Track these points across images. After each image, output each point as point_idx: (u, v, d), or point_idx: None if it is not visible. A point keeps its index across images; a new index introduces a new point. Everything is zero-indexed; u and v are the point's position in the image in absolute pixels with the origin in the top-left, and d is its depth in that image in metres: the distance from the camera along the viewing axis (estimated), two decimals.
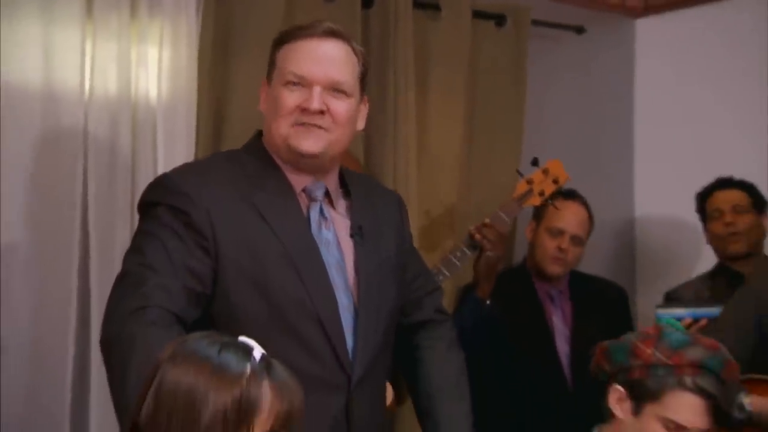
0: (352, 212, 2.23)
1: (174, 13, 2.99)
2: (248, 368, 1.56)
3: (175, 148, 2.98)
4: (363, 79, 2.21)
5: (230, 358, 1.56)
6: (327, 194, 2.20)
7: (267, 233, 2.08)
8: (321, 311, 2.08)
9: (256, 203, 2.10)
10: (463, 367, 2.36)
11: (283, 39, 2.17)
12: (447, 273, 3.03)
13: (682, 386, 2.25)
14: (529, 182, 3.17)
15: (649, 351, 2.29)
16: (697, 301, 3.34)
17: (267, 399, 1.56)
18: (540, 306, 3.38)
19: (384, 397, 2.31)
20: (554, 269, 3.37)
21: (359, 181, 2.34)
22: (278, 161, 2.16)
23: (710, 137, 3.92)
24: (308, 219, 2.16)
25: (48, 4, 2.82)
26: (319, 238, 2.15)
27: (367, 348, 2.13)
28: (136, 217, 2.20)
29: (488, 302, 3.16)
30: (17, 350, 2.79)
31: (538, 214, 3.40)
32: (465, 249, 3.07)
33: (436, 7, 3.59)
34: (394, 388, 2.83)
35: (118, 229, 2.90)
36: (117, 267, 2.10)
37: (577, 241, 3.38)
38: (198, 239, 2.03)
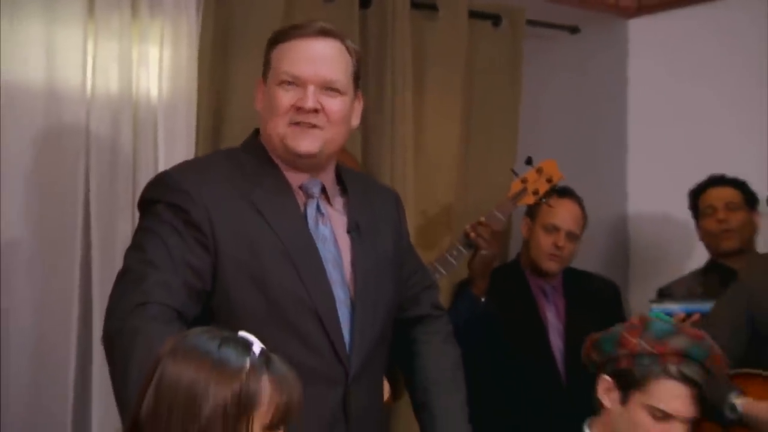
0: (349, 209, 2.25)
1: (174, 14, 3.00)
2: (248, 363, 1.58)
3: (175, 147, 3.00)
4: (357, 77, 2.23)
5: (230, 353, 1.58)
6: (324, 191, 2.22)
7: (265, 230, 2.10)
8: (319, 306, 2.10)
9: (254, 201, 2.12)
10: (458, 360, 2.38)
11: (278, 39, 2.19)
12: (443, 271, 3.06)
13: (667, 374, 2.28)
14: (524, 181, 3.19)
15: (634, 341, 2.32)
16: (690, 297, 3.36)
17: (266, 393, 1.57)
18: (533, 301, 3.41)
19: (381, 391, 2.33)
20: (550, 266, 3.40)
21: (357, 179, 2.36)
22: (275, 159, 2.18)
23: (702, 136, 3.92)
24: (305, 215, 2.17)
25: (50, 3, 2.84)
26: (316, 234, 2.16)
27: (364, 342, 2.15)
28: (137, 214, 2.21)
29: (483, 299, 3.18)
30: (19, 347, 2.80)
31: (532, 211, 3.42)
32: (461, 247, 3.10)
33: (433, 8, 3.60)
34: (390, 383, 2.84)
35: (119, 226, 2.91)
36: (118, 264, 2.12)
37: (572, 237, 3.41)
38: (197, 236, 2.05)
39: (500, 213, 3.14)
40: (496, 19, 3.77)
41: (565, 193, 3.38)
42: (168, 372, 1.57)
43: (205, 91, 3.10)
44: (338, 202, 2.26)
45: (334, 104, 2.15)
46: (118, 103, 2.93)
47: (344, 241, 2.21)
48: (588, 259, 3.71)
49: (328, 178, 2.24)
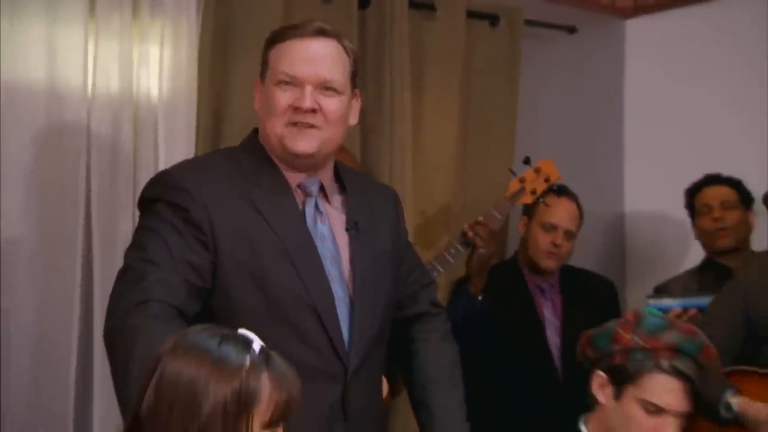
0: (348, 207, 2.26)
1: (175, 14, 3.02)
2: (248, 360, 1.58)
3: (175, 145, 3.01)
4: (354, 75, 2.23)
5: (230, 351, 1.59)
6: (322, 189, 2.23)
7: (264, 228, 2.11)
8: (318, 303, 2.11)
9: (253, 200, 2.13)
10: (456, 358, 2.39)
11: (275, 39, 2.19)
12: (441, 269, 3.07)
13: (659, 368, 2.30)
14: (522, 181, 3.21)
15: (628, 336, 2.34)
16: (687, 292, 3.38)
17: (266, 390, 1.58)
18: (530, 299, 3.43)
19: (380, 389, 2.34)
20: (548, 263, 3.42)
21: (355, 178, 2.37)
22: (274, 158, 2.19)
23: (699, 135, 3.94)
24: (304, 214, 2.18)
25: (52, 3, 2.85)
26: (314, 232, 2.18)
27: (363, 339, 2.16)
28: (138, 212, 2.21)
29: (480, 297, 3.19)
30: (21, 346, 2.81)
31: (530, 210, 3.43)
32: (458, 246, 3.11)
33: (432, 8, 3.61)
34: (388, 380, 2.85)
35: (120, 225, 2.92)
36: (119, 262, 2.12)
37: (570, 235, 3.43)
38: (197, 234, 2.07)
39: (498, 212, 3.16)
40: (493, 19, 3.79)
41: (561, 191, 3.39)
42: (168, 369, 1.58)
43: (205, 90, 3.11)
44: (337, 200, 2.27)
45: (332, 104, 2.16)
46: (119, 103, 2.94)
47: (343, 239, 2.22)
48: (585, 258, 3.72)
49: (327, 176, 2.25)
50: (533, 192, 3.21)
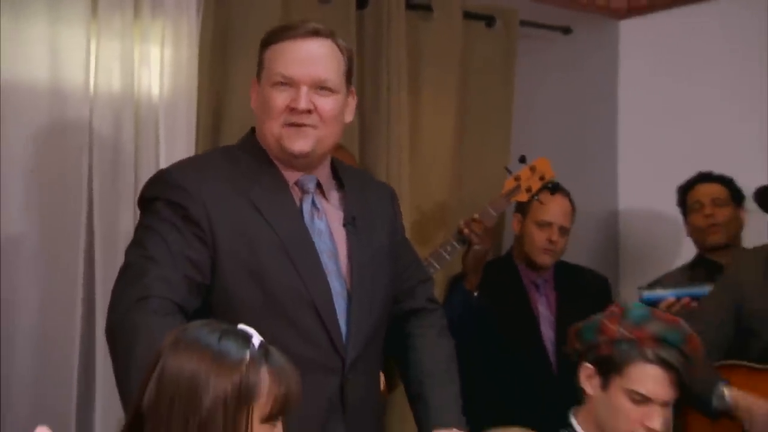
0: (345, 203, 2.28)
1: (175, 14, 3.03)
2: (247, 355, 1.60)
3: (176, 144, 3.02)
4: (349, 73, 2.25)
5: (230, 346, 1.60)
6: (319, 186, 2.25)
7: (262, 225, 2.13)
8: (315, 298, 2.13)
9: (251, 197, 2.15)
10: (452, 353, 2.40)
11: (270, 40, 2.21)
12: (437, 266, 3.10)
13: (644, 358, 2.31)
14: (517, 179, 3.23)
15: (613, 327, 2.36)
16: (679, 285, 3.39)
17: (265, 384, 1.60)
18: (525, 294, 3.45)
19: (378, 382, 2.36)
20: (544, 259, 3.45)
21: (353, 175, 2.39)
22: (271, 157, 2.22)
23: (691, 134, 3.96)
24: (301, 210, 2.20)
25: (54, 4, 2.86)
26: (312, 228, 2.20)
27: (360, 332, 2.18)
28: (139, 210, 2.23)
29: (476, 293, 3.22)
30: (23, 343, 2.81)
31: (523, 207, 3.45)
32: (454, 243, 3.14)
33: (428, 8, 3.62)
34: (385, 375, 2.86)
35: (121, 222, 2.93)
36: (121, 260, 2.15)
37: (564, 231, 3.46)
38: (196, 231, 2.09)
39: (494, 209, 3.18)
40: (489, 20, 3.80)
41: (555, 189, 3.40)
42: (169, 364, 1.60)
43: (205, 89, 3.13)
44: (334, 196, 2.29)
45: (327, 103, 2.18)
46: (121, 102, 2.95)
47: (340, 235, 2.24)
48: (579, 254, 3.74)
49: (323, 173, 2.27)
50: (528, 190, 3.24)
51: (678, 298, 3.23)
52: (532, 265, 3.48)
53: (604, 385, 2.37)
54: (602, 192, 4.21)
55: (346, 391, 2.17)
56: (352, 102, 2.29)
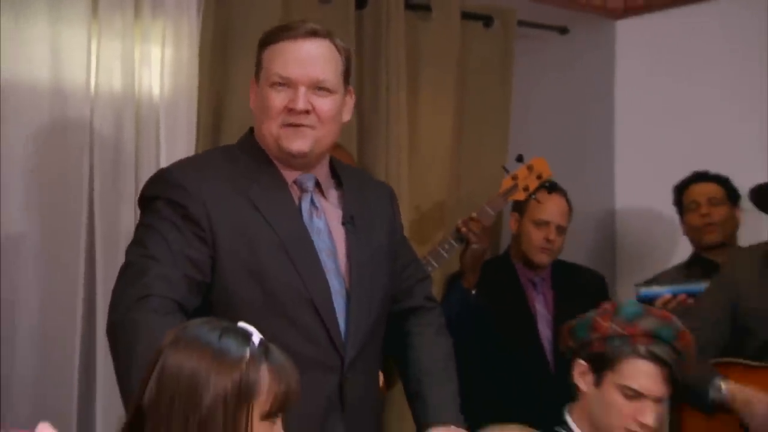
0: (344, 202, 2.29)
1: (176, 14, 3.04)
2: (247, 353, 1.60)
3: (176, 143, 3.03)
4: (347, 73, 2.26)
5: (230, 344, 1.61)
6: (318, 185, 2.26)
7: (262, 225, 2.15)
8: (315, 296, 2.14)
9: (250, 196, 2.16)
10: (451, 351, 2.41)
11: (268, 40, 2.22)
12: (435, 264, 3.11)
13: (637, 354, 2.33)
14: (514, 178, 3.24)
15: (606, 324, 2.37)
16: (675, 282, 3.41)
17: (265, 382, 1.61)
18: (523, 292, 3.47)
19: (377, 380, 2.37)
20: (542, 258, 3.47)
21: (352, 174, 2.40)
22: (270, 156, 2.23)
23: (687, 134, 3.97)
24: (300, 209, 2.22)
25: (55, 3, 2.86)
26: (310, 226, 2.21)
27: (359, 330, 2.19)
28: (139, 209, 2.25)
29: (473, 292, 3.23)
30: (24, 341, 2.82)
31: (521, 207, 3.47)
32: (452, 241, 3.15)
33: (427, 9, 3.63)
34: (383, 373, 2.85)
35: (122, 221, 2.94)
36: (122, 259, 2.16)
37: (561, 230, 3.48)
38: (196, 230, 2.10)
39: (491, 208, 3.19)
40: (487, 20, 3.81)
41: (552, 188, 3.41)
42: (170, 362, 1.60)
43: (205, 89, 3.14)
44: (333, 195, 2.30)
45: (325, 104, 2.19)
46: (121, 101, 2.96)
47: (339, 233, 2.25)
48: (576, 253, 3.76)
49: (322, 172, 2.28)
50: (526, 189, 3.25)
51: (674, 295, 3.24)
52: (530, 264, 3.49)
53: (598, 382, 2.38)
54: (599, 191, 4.22)
55: (345, 389, 2.18)
56: (350, 101, 2.30)
